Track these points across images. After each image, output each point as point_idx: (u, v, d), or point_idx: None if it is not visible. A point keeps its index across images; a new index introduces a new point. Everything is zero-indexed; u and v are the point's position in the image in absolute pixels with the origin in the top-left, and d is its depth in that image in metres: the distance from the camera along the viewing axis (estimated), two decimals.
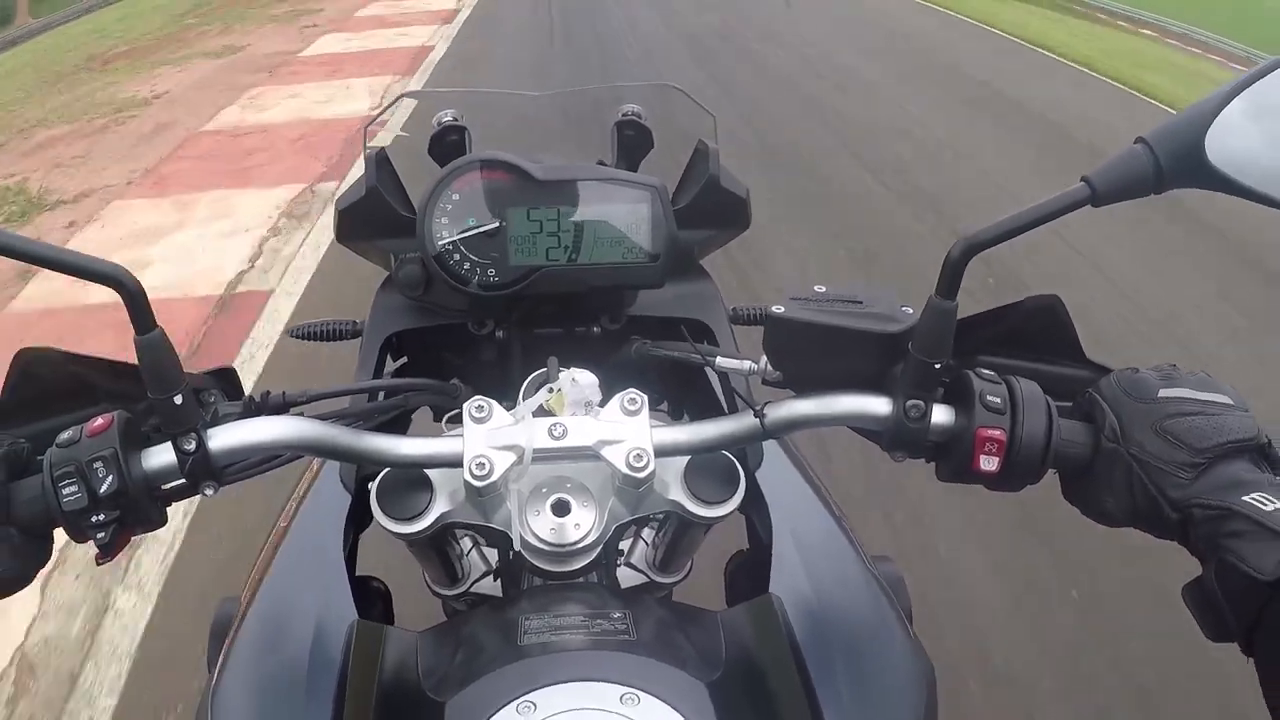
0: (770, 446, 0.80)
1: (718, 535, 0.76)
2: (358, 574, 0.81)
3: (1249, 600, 0.51)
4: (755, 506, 0.78)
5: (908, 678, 0.68)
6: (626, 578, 0.90)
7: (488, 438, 0.62)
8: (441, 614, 0.97)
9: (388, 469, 0.66)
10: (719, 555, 0.88)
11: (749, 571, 0.77)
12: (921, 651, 0.71)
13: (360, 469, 0.74)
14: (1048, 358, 0.65)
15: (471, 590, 0.88)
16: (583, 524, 0.65)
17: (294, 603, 0.71)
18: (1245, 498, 0.52)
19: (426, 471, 0.66)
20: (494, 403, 0.64)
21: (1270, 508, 0.52)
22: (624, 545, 0.93)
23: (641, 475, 0.61)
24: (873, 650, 0.68)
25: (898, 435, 0.60)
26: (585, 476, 0.66)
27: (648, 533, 0.92)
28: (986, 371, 0.60)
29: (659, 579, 0.89)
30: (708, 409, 0.81)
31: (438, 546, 0.78)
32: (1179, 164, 0.55)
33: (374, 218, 0.83)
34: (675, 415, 0.92)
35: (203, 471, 0.59)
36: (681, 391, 0.89)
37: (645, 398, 0.63)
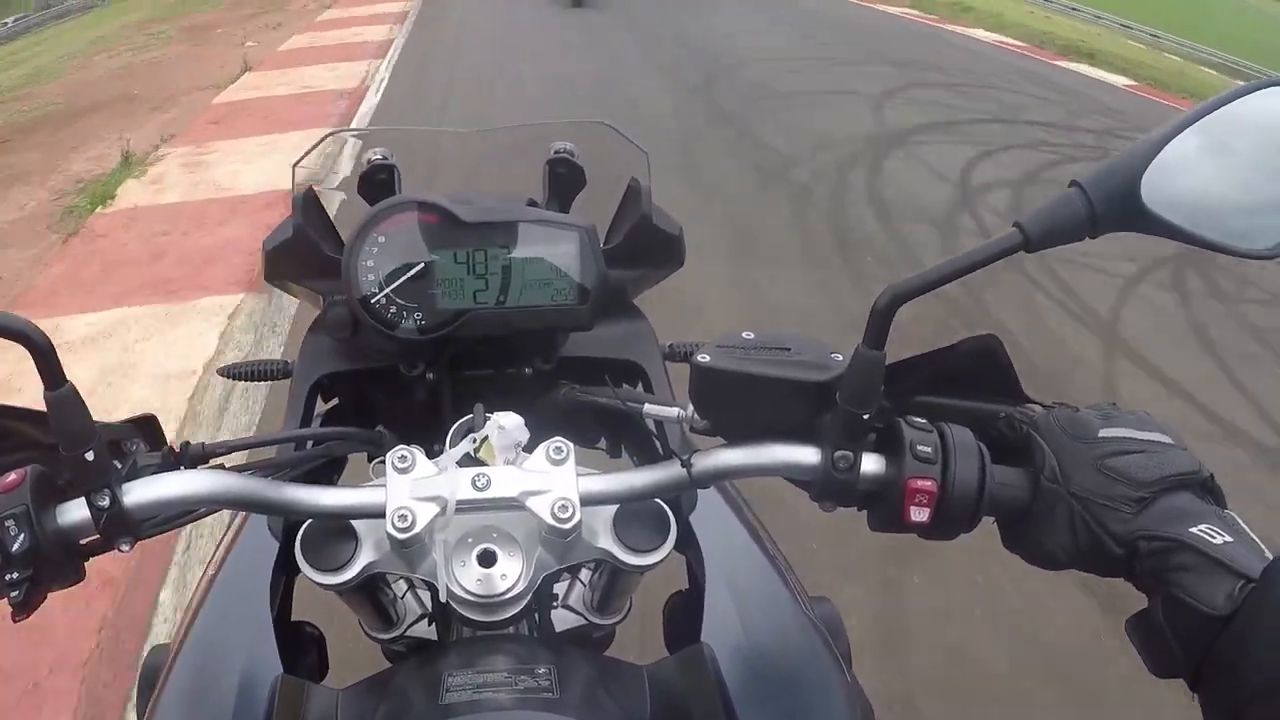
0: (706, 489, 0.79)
1: (658, 572, 0.75)
2: (293, 619, 0.79)
3: (1198, 635, 0.49)
4: (690, 549, 0.76)
5: None
6: (564, 620, 0.88)
7: (410, 488, 0.60)
8: (381, 656, 0.94)
9: (311, 520, 0.64)
10: (663, 591, 0.86)
11: (686, 612, 0.75)
12: (860, 695, 0.70)
13: (287, 518, 0.72)
14: (986, 396, 0.64)
15: (407, 634, 0.86)
16: (509, 574, 0.63)
17: (220, 655, 0.70)
18: (1193, 529, 0.51)
19: (352, 521, 0.64)
20: (417, 452, 0.62)
21: (1219, 540, 0.51)
22: (560, 589, 0.91)
23: (567, 526, 0.59)
24: (807, 697, 0.67)
25: (826, 486, 0.58)
26: (512, 526, 0.64)
27: (585, 574, 0.90)
28: (918, 420, 0.58)
29: (597, 620, 0.87)
30: (645, 447, 0.79)
31: (369, 593, 0.76)
32: (1114, 208, 0.54)
33: (301, 259, 0.81)
34: (613, 453, 0.90)
35: (118, 528, 0.57)
36: (617, 428, 0.87)
37: (571, 446, 0.62)
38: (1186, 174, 0.55)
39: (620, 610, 0.88)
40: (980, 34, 11.10)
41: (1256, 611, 0.47)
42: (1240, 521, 0.53)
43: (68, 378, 0.54)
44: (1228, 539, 0.50)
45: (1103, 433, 0.57)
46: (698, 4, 11.41)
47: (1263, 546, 0.51)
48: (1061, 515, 0.56)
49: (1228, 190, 0.57)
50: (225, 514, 0.83)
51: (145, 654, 0.86)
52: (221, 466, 0.64)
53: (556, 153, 0.87)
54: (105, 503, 0.56)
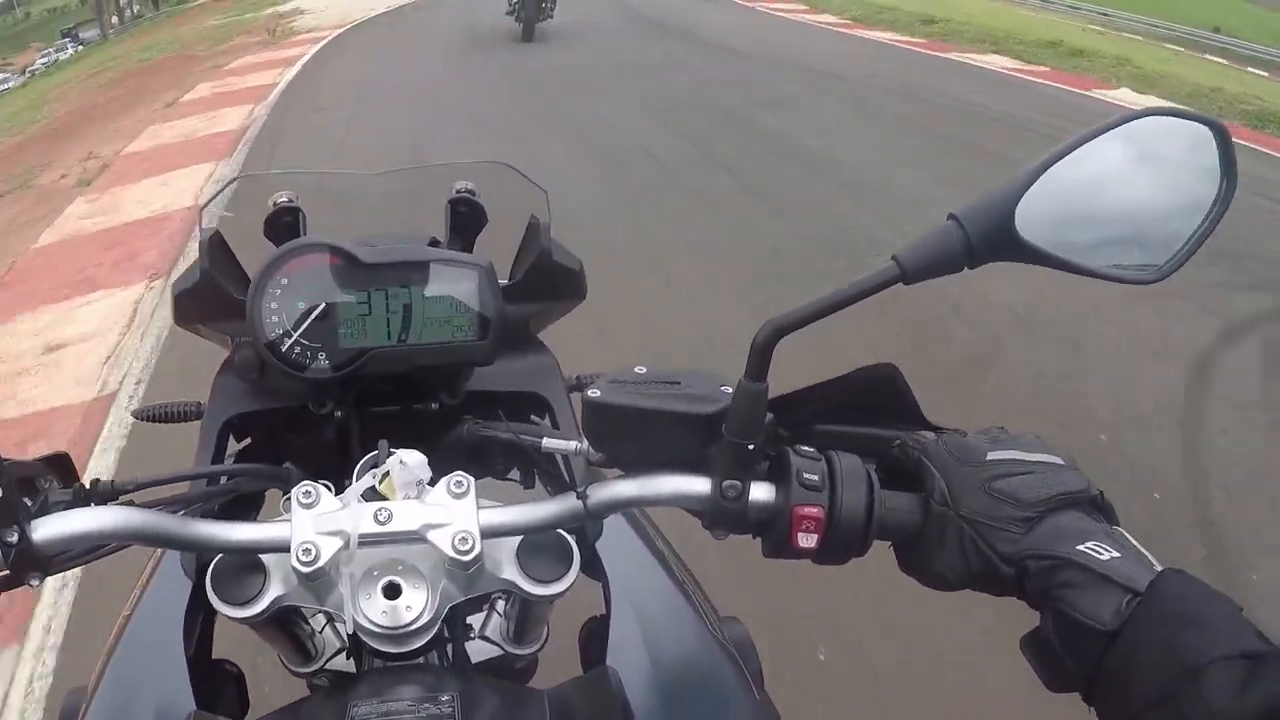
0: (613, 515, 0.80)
1: (577, 600, 0.75)
2: (213, 658, 0.79)
3: (1088, 650, 0.50)
4: (598, 575, 0.77)
5: None
6: (481, 651, 0.88)
7: (314, 523, 0.61)
8: (305, 691, 0.94)
9: (221, 555, 0.64)
10: (580, 616, 0.86)
11: (599, 638, 0.76)
12: (771, 712, 0.71)
13: (200, 556, 0.72)
14: (886, 423, 0.65)
15: (326, 668, 0.86)
16: (414, 606, 0.64)
17: (135, 696, 0.70)
18: (1079, 547, 0.52)
19: (261, 556, 0.64)
20: (321, 488, 0.63)
21: (1105, 556, 0.52)
22: (476, 620, 0.92)
23: (468, 558, 0.60)
24: (714, 716, 0.68)
25: (716, 514, 0.59)
26: (417, 558, 0.64)
27: (501, 604, 0.91)
28: (806, 449, 0.59)
29: (514, 650, 0.88)
30: (555, 479, 0.80)
31: (284, 628, 0.76)
32: (989, 240, 0.55)
33: (209, 302, 0.82)
34: (526, 484, 0.91)
35: (26, 564, 0.57)
36: (527, 460, 0.88)
37: (471, 480, 0.62)
38: (1060, 205, 0.56)
39: (538, 639, 0.89)
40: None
41: (1143, 625, 0.48)
42: (1129, 537, 0.54)
43: None
44: (1114, 554, 0.52)
45: (990, 455, 0.58)
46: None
47: (1151, 560, 0.52)
48: (952, 538, 0.57)
49: (1102, 220, 0.58)
50: (144, 554, 0.83)
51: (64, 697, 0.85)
52: (131, 503, 0.65)
53: (458, 192, 0.88)
54: (14, 539, 0.56)
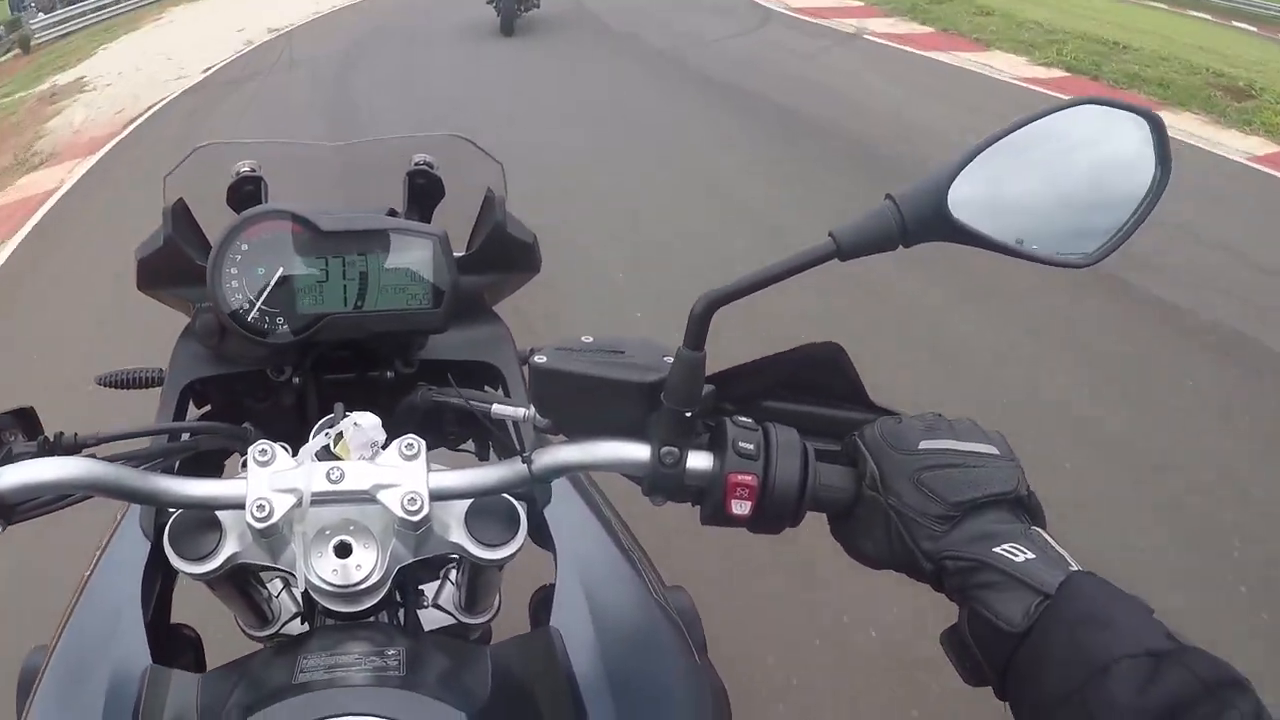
0: (561, 482, 0.82)
1: (529, 570, 0.77)
2: (172, 622, 0.81)
3: (1000, 648, 0.52)
4: (546, 542, 0.79)
5: (693, 707, 0.69)
6: (434, 619, 0.90)
7: (269, 480, 0.63)
8: None
9: (180, 511, 0.66)
10: (531, 587, 0.88)
11: (548, 605, 0.78)
12: (713, 679, 0.72)
13: (159, 517, 0.74)
14: (830, 402, 0.66)
15: (281, 632, 0.88)
16: (364, 565, 0.65)
17: (93, 653, 0.72)
18: (996, 549, 0.54)
19: (219, 513, 0.66)
20: (277, 447, 0.64)
21: (1021, 558, 0.53)
22: (430, 589, 0.94)
23: (416, 519, 0.62)
24: (656, 679, 0.70)
25: (654, 480, 0.61)
26: (368, 519, 0.66)
27: (454, 574, 0.93)
28: (743, 419, 0.61)
29: (466, 620, 0.89)
30: (506, 446, 0.82)
31: (240, 589, 0.78)
32: (923, 220, 0.57)
33: (171, 268, 0.84)
34: (481, 455, 0.93)
35: None
36: (481, 430, 0.90)
37: (422, 443, 0.64)
38: (993, 188, 0.58)
39: (490, 608, 0.90)
40: None
41: (1051, 625, 0.50)
42: (1048, 538, 0.55)
43: None
44: (1029, 556, 0.53)
45: (923, 444, 0.59)
46: None
47: (1069, 560, 0.54)
48: (879, 523, 0.59)
49: (1036, 204, 0.60)
50: (104, 515, 0.85)
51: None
52: (94, 456, 0.67)
53: (416, 164, 0.90)
54: None
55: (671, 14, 10.09)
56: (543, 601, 0.84)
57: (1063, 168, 0.60)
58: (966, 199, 0.57)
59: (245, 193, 0.90)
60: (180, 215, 0.85)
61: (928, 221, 0.57)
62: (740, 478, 0.58)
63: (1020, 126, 0.59)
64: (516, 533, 0.67)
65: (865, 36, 8.95)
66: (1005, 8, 9.82)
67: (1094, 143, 0.60)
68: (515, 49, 9.16)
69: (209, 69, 10.12)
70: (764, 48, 8.64)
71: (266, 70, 9.73)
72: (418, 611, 0.86)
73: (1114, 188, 0.60)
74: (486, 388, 0.88)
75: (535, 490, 0.72)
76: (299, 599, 0.90)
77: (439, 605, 0.92)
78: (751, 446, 0.59)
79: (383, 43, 10.23)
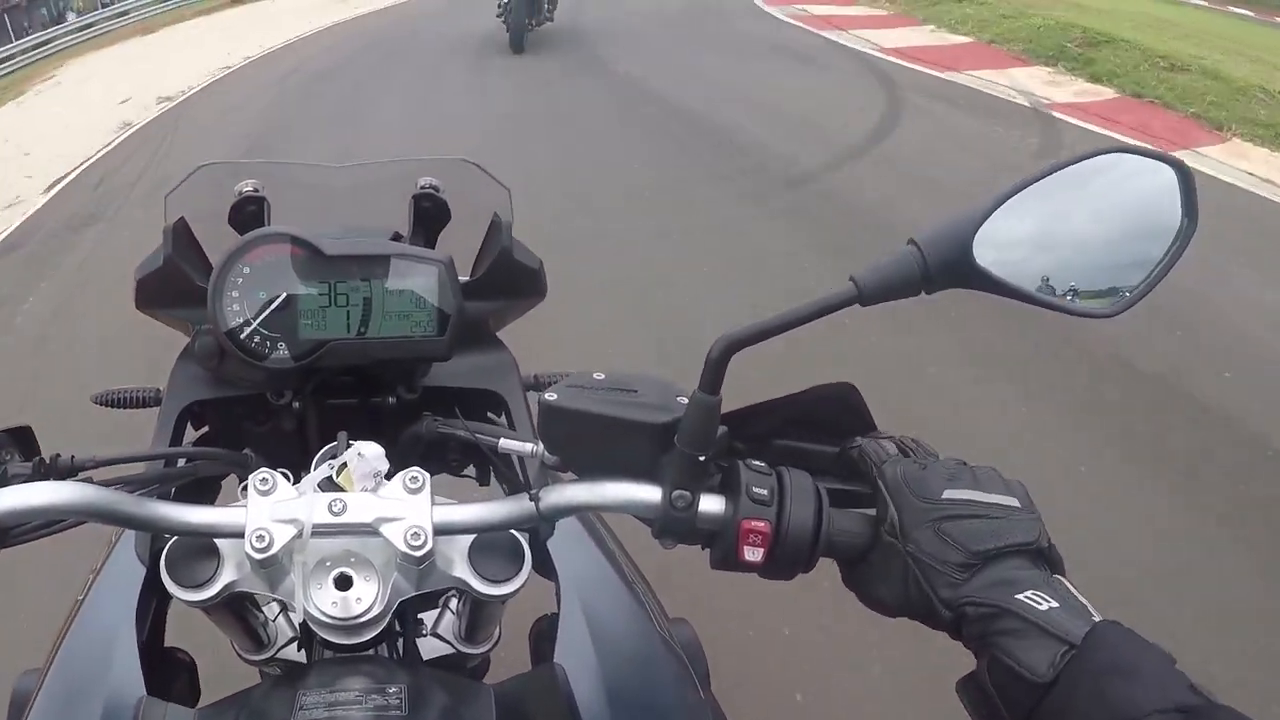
0: None
1: (529, 598, 0.76)
2: (166, 646, 0.80)
3: (1023, 698, 0.51)
4: (549, 573, 0.78)
5: None
6: (433, 649, 0.89)
7: (270, 510, 0.61)
8: (257, 679, 0.95)
9: (176, 538, 0.65)
10: (531, 616, 0.87)
11: (549, 636, 0.77)
12: (718, 714, 0.71)
13: (155, 542, 0.73)
14: (842, 440, 0.65)
15: (277, 657, 0.86)
16: (365, 598, 0.64)
17: (86, 679, 0.70)
18: (1018, 596, 0.53)
19: (216, 540, 0.65)
20: (278, 476, 0.63)
21: (1044, 606, 0.52)
22: (429, 617, 0.92)
23: (419, 554, 0.61)
24: (659, 714, 0.69)
25: (665, 524, 0.60)
26: (370, 551, 0.65)
27: (454, 603, 0.91)
28: (757, 463, 0.60)
29: (465, 649, 0.88)
30: (509, 476, 0.81)
31: (236, 614, 0.77)
32: (947, 266, 0.56)
33: (171, 288, 0.83)
34: (482, 481, 0.92)
35: None
36: (485, 458, 0.88)
37: (427, 476, 0.63)
38: (1021, 235, 0.57)
39: (489, 638, 0.89)
40: None
41: (1077, 678, 0.49)
42: (1070, 587, 0.54)
43: None
44: (1053, 604, 0.52)
45: (946, 494, 0.58)
46: None
47: (1090, 610, 0.52)
48: (896, 569, 0.57)
49: (1061, 252, 0.59)
50: (98, 538, 0.83)
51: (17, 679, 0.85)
52: (90, 480, 0.65)
53: (422, 188, 0.89)
54: None
55: (726, 67, 7.54)
56: (544, 632, 0.83)
57: (1089, 216, 0.59)
58: (991, 246, 0.56)
59: (247, 213, 0.89)
60: (181, 235, 0.84)
61: (951, 268, 0.56)
62: (753, 524, 0.57)
63: (1048, 174, 0.58)
64: (521, 568, 0.65)
65: (1050, 112, 6.01)
66: (1186, 56, 7.01)
67: (1121, 191, 0.59)
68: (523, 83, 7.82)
69: (59, 182, 6.74)
70: (915, 148, 5.37)
71: (123, 196, 6.07)
72: (416, 640, 0.85)
73: (1140, 237, 0.60)
74: (489, 414, 0.87)
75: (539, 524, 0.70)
76: (296, 625, 0.88)
77: (438, 634, 0.91)
78: (765, 492, 0.58)
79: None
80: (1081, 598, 0.53)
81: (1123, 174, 0.59)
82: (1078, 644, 0.50)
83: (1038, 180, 0.58)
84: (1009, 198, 0.57)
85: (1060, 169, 0.58)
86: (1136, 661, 0.49)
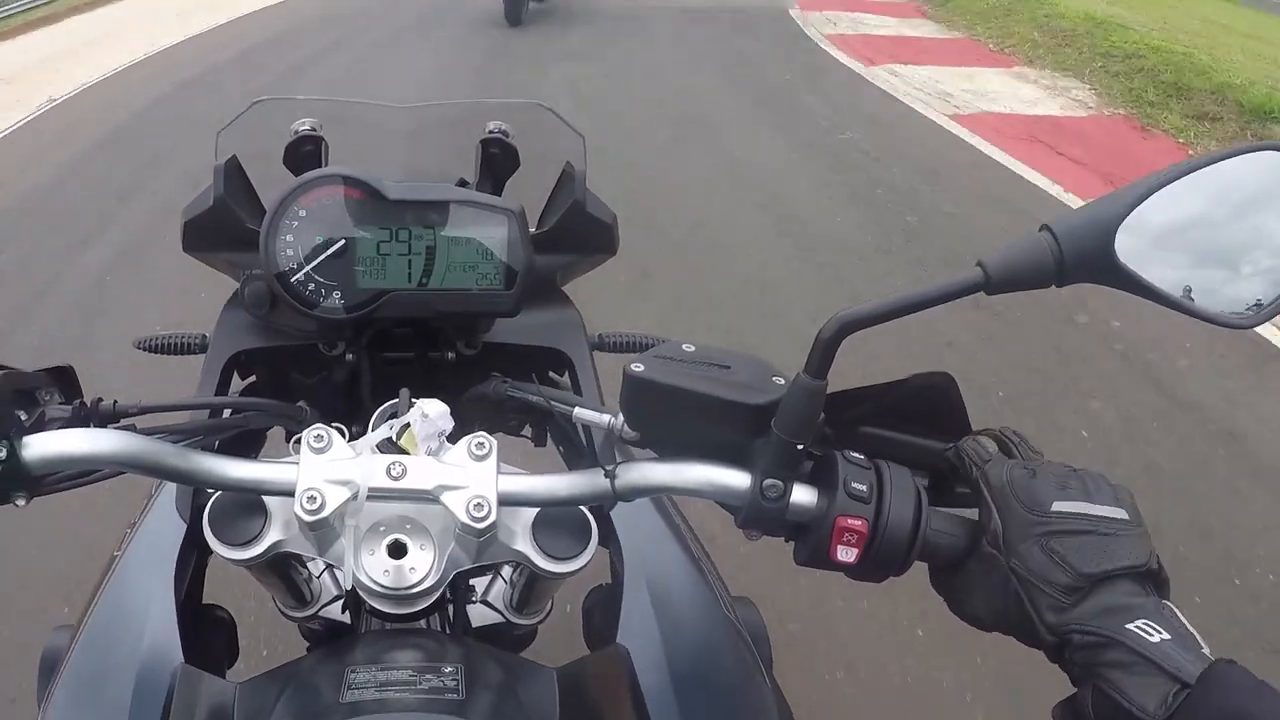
0: None
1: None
2: (204, 603, 0.77)
3: None
4: (610, 545, 0.74)
5: None
6: (483, 615, 0.86)
7: (324, 470, 0.58)
8: (297, 634, 0.91)
9: (221, 492, 0.61)
10: (582, 584, 0.83)
11: (606, 608, 0.73)
12: (780, 700, 0.68)
13: (197, 497, 0.69)
14: (934, 434, 0.61)
15: (320, 614, 0.83)
16: (419, 568, 0.60)
17: (122, 640, 0.67)
18: (1129, 626, 0.49)
19: (263, 496, 0.61)
20: (334, 433, 0.59)
21: (1156, 638, 0.49)
22: (480, 584, 0.89)
23: (481, 526, 0.57)
24: (725, 700, 0.66)
25: (753, 513, 0.56)
26: (427, 518, 0.61)
27: (507, 570, 0.88)
28: (856, 455, 0.56)
29: (515, 620, 0.85)
30: (571, 441, 0.77)
31: (280, 571, 0.73)
32: (1084, 259, 0.52)
33: (221, 230, 0.79)
34: (538, 442, 0.88)
35: (12, 481, 0.54)
36: (543, 419, 0.85)
37: (495, 443, 0.59)
38: (1164, 232, 0.53)
39: (541, 611, 0.86)
40: None
41: (1190, 719, 0.46)
42: (1180, 615, 0.51)
43: None
44: (1165, 636, 0.49)
45: (1056, 506, 0.54)
46: None
47: (1200, 643, 0.49)
48: (996, 583, 0.54)
49: (1206, 253, 0.55)
50: (139, 491, 0.79)
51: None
52: (133, 428, 0.61)
53: (490, 132, 0.84)
54: (1, 454, 0.53)
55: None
56: (597, 604, 0.80)
57: (1234, 217, 0.55)
58: (1131, 241, 0.52)
59: (304, 153, 0.84)
60: (233, 174, 0.79)
61: (1089, 261, 0.51)
62: (850, 522, 0.53)
63: (1197, 169, 0.53)
64: (587, 546, 0.62)
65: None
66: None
67: (1270, 194, 0.55)
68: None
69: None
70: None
71: None
72: (466, 608, 0.82)
73: None
74: (551, 374, 0.83)
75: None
76: (343, 584, 0.85)
77: (488, 602, 0.87)
78: (864, 488, 0.54)
79: None
80: (1191, 629, 0.50)
81: (1274, 174, 0.55)
82: (1191, 682, 0.46)
83: (1185, 174, 0.53)
84: (1155, 191, 0.52)
85: (1209, 164, 0.53)
86: (1253, 707, 0.45)
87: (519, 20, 7.97)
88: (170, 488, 0.75)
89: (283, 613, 0.84)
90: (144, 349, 0.91)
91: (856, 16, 8.65)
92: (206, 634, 0.74)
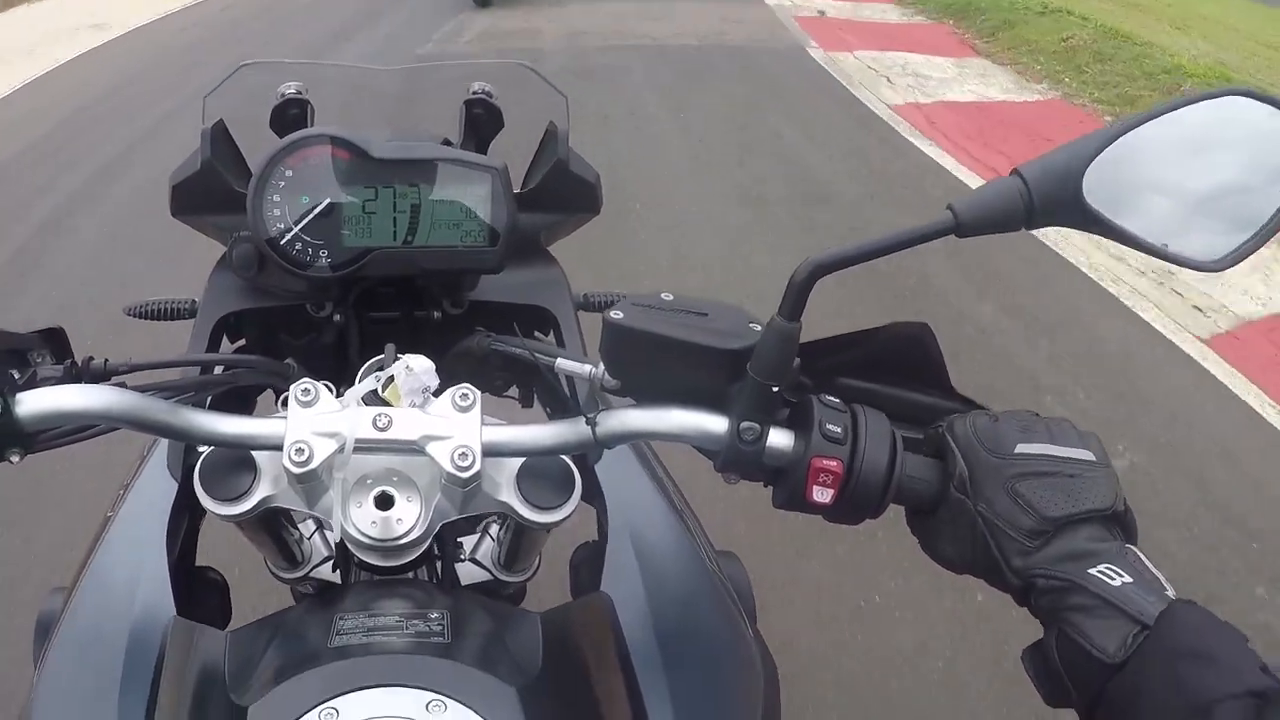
0: None
1: (568, 525, 0.73)
2: (197, 565, 0.78)
3: (1091, 676, 0.49)
4: (595, 500, 0.75)
5: (744, 678, 0.67)
6: (470, 574, 0.87)
7: (310, 423, 0.59)
8: (289, 599, 0.93)
9: (212, 448, 0.62)
10: (571, 543, 0.84)
11: (591, 564, 0.75)
12: (762, 651, 0.70)
13: (188, 457, 0.71)
14: (911, 385, 0.62)
15: (312, 575, 0.84)
16: (406, 519, 0.62)
17: (115, 598, 0.68)
18: (1091, 570, 0.51)
19: (253, 453, 0.62)
20: (321, 386, 0.60)
21: (1117, 582, 0.50)
22: (469, 543, 0.90)
23: (466, 475, 0.58)
24: (707, 648, 0.67)
25: (731, 456, 0.57)
26: (414, 470, 0.62)
27: (495, 529, 0.89)
28: (830, 398, 0.57)
29: (504, 577, 0.86)
30: (556, 399, 0.78)
31: (270, 530, 0.74)
32: (1053, 202, 0.53)
33: (209, 193, 0.80)
34: (525, 403, 0.89)
35: (7, 437, 0.56)
36: (529, 378, 0.86)
37: (478, 394, 0.60)
38: (1132, 175, 0.54)
39: (529, 568, 0.87)
40: None
41: (1149, 659, 0.47)
42: (1144, 559, 0.52)
43: None
44: (1126, 580, 0.50)
45: (1019, 448, 0.55)
46: None
47: (1164, 584, 0.50)
48: (964, 527, 0.55)
49: (1173, 196, 0.55)
50: (130, 452, 0.81)
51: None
52: (124, 385, 0.62)
53: (474, 93, 0.85)
54: None
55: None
56: (584, 560, 0.81)
57: (1201, 161, 0.55)
58: (1099, 184, 0.53)
59: (290, 116, 0.85)
60: (220, 138, 0.81)
61: (1058, 204, 0.52)
62: (825, 462, 0.54)
63: (1164, 112, 0.54)
64: (570, 496, 0.63)
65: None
66: None
67: (1237, 138, 0.55)
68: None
69: None
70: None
71: None
72: (454, 565, 0.83)
73: (1253, 189, 0.56)
74: (536, 333, 0.84)
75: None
76: (332, 543, 0.86)
77: (476, 560, 0.89)
78: (839, 429, 0.55)
79: None
80: (1155, 571, 0.51)
81: (1240, 119, 0.55)
82: (1151, 624, 0.48)
83: (1152, 119, 0.54)
84: (1121, 135, 0.53)
85: (1176, 108, 0.54)
86: (1211, 644, 0.47)
87: (488, 1, 7.52)
88: (162, 448, 0.76)
89: (274, 574, 0.86)
90: (134, 315, 0.92)
91: (904, 61, 6.19)
92: (200, 595, 0.76)
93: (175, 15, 7.91)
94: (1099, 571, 0.50)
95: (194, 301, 0.87)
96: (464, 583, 0.87)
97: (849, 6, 7.98)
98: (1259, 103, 0.55)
